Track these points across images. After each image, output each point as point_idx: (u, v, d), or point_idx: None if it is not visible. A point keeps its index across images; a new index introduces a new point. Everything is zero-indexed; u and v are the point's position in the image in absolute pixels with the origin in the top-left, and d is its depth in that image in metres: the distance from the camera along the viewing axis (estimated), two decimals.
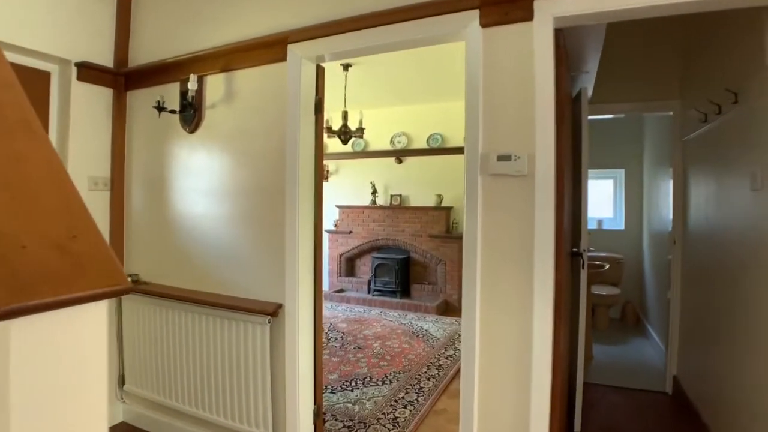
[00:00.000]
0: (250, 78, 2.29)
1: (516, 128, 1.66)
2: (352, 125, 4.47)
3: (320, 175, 2.24)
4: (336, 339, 4.38)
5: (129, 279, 2.84)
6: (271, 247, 2.18)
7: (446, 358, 3.89)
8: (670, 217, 3.41)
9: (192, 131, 2.48)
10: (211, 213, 2.41)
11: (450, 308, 5.70)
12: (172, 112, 2.45)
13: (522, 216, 1.64)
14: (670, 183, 3.45)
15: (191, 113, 2.44)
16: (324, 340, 4.36)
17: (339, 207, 6.45)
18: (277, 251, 2.14)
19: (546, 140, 1.61)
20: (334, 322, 5.00)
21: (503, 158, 1.64)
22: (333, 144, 6.64)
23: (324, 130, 4.46)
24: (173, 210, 2.57)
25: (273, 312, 2.11)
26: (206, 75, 2.43)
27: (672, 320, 3.26)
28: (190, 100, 2.35)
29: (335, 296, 6.06)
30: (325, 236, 6.55)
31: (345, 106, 4.43)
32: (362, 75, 4.71)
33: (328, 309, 5.59)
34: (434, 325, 4.89)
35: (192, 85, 2.32)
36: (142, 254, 2.73)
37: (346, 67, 4.43)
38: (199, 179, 2.47)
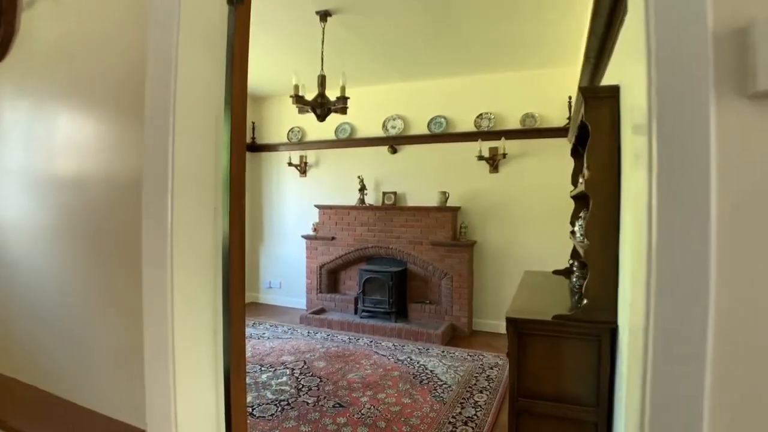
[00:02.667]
0: None
1: None
2: (332, 96, 3.27)
3: (239, 154, 1.03)
4: (309, 389, 3.18)
5: None
6: (122, 302, 0.97)
7: (464, 424, 2.72)
8: None
9: None
10: (27, 221, 1.19)
11: (458, 335, 4.53)
12: None
13: None
14: None
15: None
16: (293, 390, 3.15)
17: (319, 207, 5.24)
18: (134, 312, 0.94)
19: None
20: (310, 358, 3.80)
21: None
22: (311, 129, 5.44)
23: (293, 100, 3.27)
24: None
25: None
26: None
27: None
28: None
29: (314, 319, 4.84)
30: (303, 243, 5.34)
31: (322, 69, 3.24)
32: (345, 32, 3.51)
33: (303, 337, 4.38)
34: (441, 363, 3.72)
35: None
36: None
37: (324, 16, 3.23)
38: (9, 151, 1.25)
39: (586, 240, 2.00)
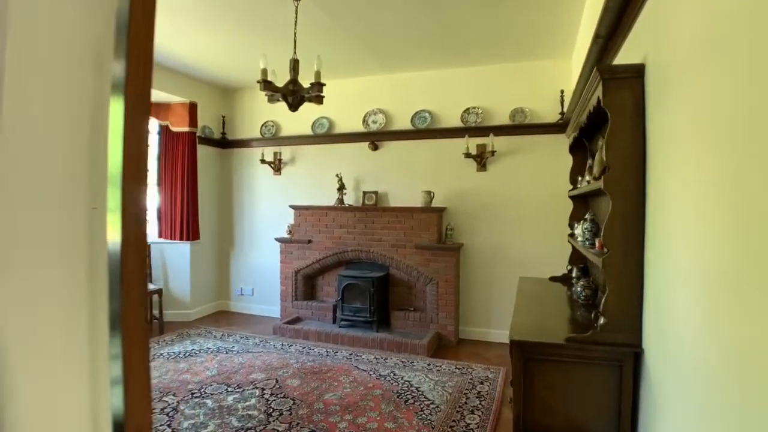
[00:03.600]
0: None
1: None
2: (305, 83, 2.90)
3: (138, 140, 0.67)
4: (281, 414, 2.81)
5: None
6: None
7: None
8: None
9: None
10: None
11: (444, 344, 4.23)
12: None
13: None
14: None
15: None
16: (263, 415, 2.78)
17: (295, 208, 4.86)
18: None
19: None
20: (283, 376, 3.42)
21: None
22: (286, 124, 5.06)
23: (260, 86, 2.88)
24: None
25: None
26: None
27: None
28: None
29: (288, 329, 4.46)
30: (277, 247, 4.94)
31: (295, 53, 2.87)
32: (321, 13, 3.16)
33: (276, 351, 4.00)
34: (427, 378, 3.40)
35: None
36: None
37: None
38: None
39: (598, 244, 1.71)
